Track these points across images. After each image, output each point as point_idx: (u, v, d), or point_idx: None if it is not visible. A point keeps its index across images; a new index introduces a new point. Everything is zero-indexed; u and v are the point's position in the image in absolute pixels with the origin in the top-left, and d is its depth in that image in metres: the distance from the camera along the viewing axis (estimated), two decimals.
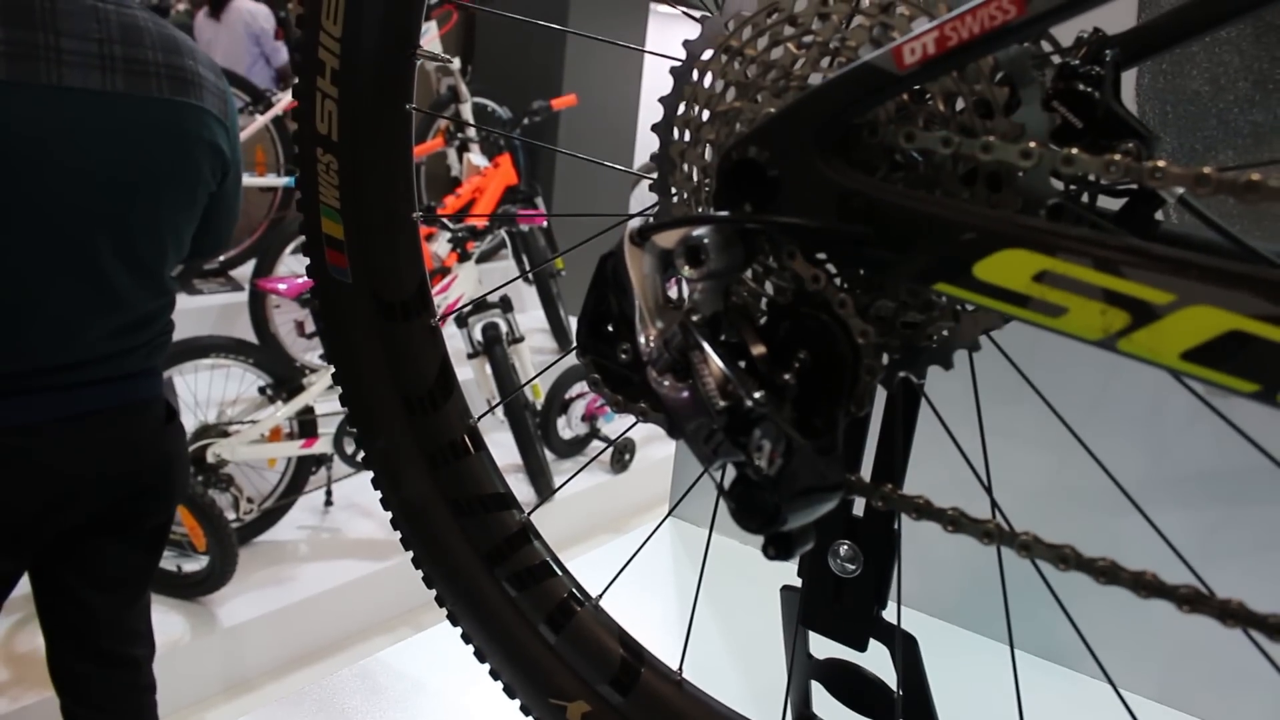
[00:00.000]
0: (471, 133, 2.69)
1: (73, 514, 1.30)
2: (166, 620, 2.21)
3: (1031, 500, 0.78)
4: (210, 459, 2.28)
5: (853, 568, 0.58)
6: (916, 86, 0.41)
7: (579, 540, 3.00)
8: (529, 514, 0.70)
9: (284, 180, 2.98)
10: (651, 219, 0.47)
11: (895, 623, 0.57)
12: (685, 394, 0.42)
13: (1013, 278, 0.39)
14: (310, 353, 2.75)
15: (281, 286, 2.37)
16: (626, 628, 0.67)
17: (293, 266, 2.85)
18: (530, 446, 2.74)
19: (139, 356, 1.33)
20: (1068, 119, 0.47)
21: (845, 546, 0.58)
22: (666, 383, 0.43)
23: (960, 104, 0.43)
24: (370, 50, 0.64)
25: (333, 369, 0.71)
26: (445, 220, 2.19)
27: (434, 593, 0.70)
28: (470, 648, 0.70)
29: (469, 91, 2.85)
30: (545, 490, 2.75)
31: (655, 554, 1.19)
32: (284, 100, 2.89)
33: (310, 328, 2.38)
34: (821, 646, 0.61)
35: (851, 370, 0.44)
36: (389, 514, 0.72)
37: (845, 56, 0.45)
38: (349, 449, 2.46)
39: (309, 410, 2.43)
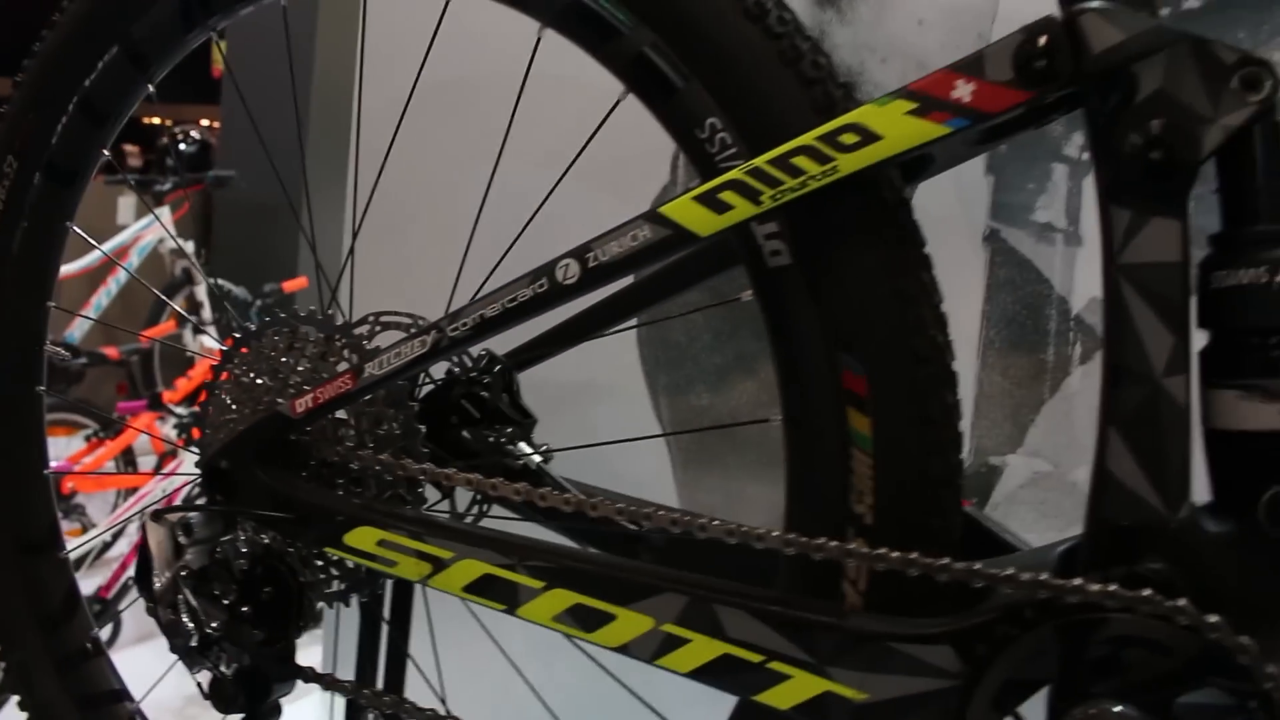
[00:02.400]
0: (206, 315, 2.91)
1: None
2: None
3: None
4: None
5: None
6: (308, 425, 0.70)
7: None
8: None
9: None
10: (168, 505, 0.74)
11: None
12: (173, 622, 0.68)
13: (365, 543, 0.67)
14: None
15: None
16: None
17: None
18: None
19: None
20: (469, 411, 0.78)
21: None
22: (164, 616, 0.69)
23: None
24: (8, 339, 0.90)
25: None
26: (170, 407, 2.39)
27: None
28: None
29: (205, 273, 3.07)
30: None
31: None
32: None
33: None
34: None
35: (297, 599, 0.71)
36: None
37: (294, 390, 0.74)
38: None
39: None
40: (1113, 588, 0.53)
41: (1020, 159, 0.97)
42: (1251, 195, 0.56)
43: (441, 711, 0.70)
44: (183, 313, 2.91)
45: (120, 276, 2.93)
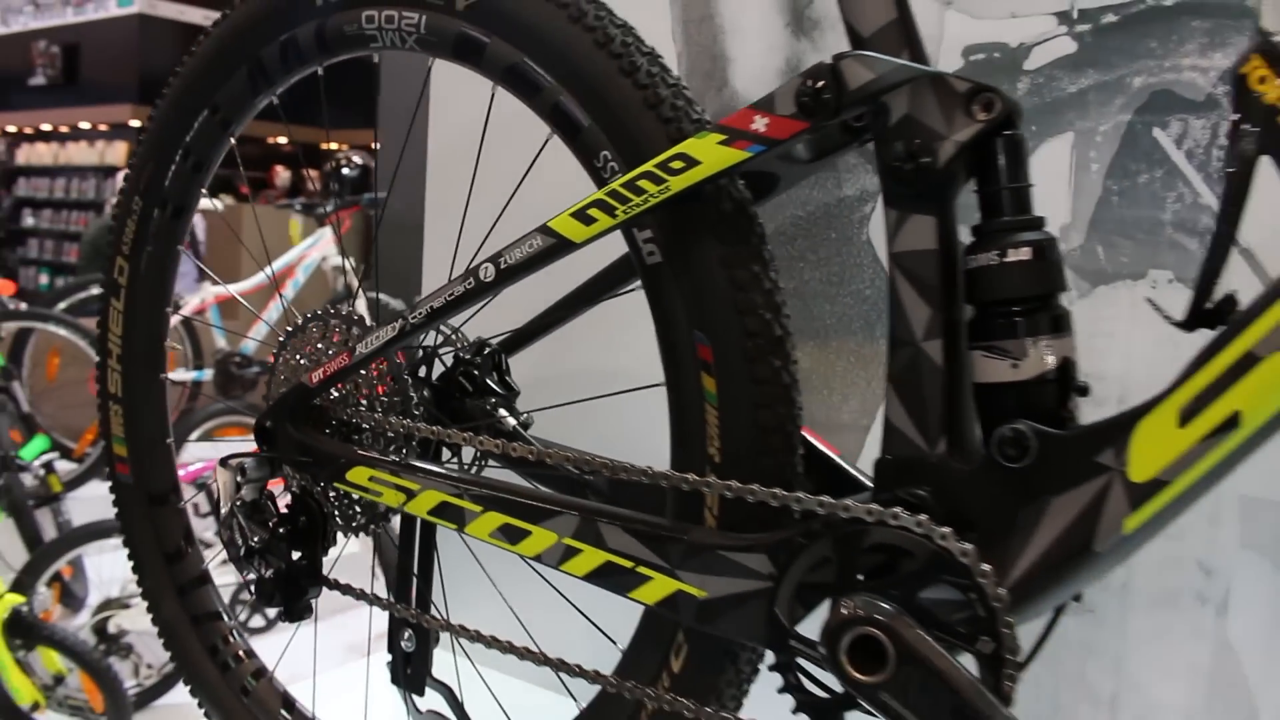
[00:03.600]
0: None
1: None
2: None
3: None
4: (112, 629, 2.76)
5: (410, 646, 1.07)
6: (323, 392, 0.95)
7: None
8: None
9: (193, 375, 3.57)
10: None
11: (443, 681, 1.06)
12: (230, 539, 0.94)
13: (360, 479, 0.91)
14: (207, 530, 3.25)
15: (181, 472, 2.88)
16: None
17: (195, 453, 3.37)
18: None
19: None
20: (464, 385, 1.01)
21: (408, 632, 1.08)
22: (224, 535, 0.95)
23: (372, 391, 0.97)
24: (140, 337, 1.19)
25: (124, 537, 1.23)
26: None
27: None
28: None
29: (365, 287, 3.47)
30: None
31: None
32: (193, 303, 3.53)
33: (205, 508, 2.89)
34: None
35: (322, 527, 0.96)
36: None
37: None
38: (242, 616, 2.94)
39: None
40: (871, 506, 0.70)
41: None
42: (996, 195, 0.72)
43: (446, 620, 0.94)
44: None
45: (288, 292, 3.37)
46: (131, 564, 1.22)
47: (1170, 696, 1.07)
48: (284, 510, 0.96)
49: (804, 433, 0.84)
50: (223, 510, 0.96)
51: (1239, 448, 0.64)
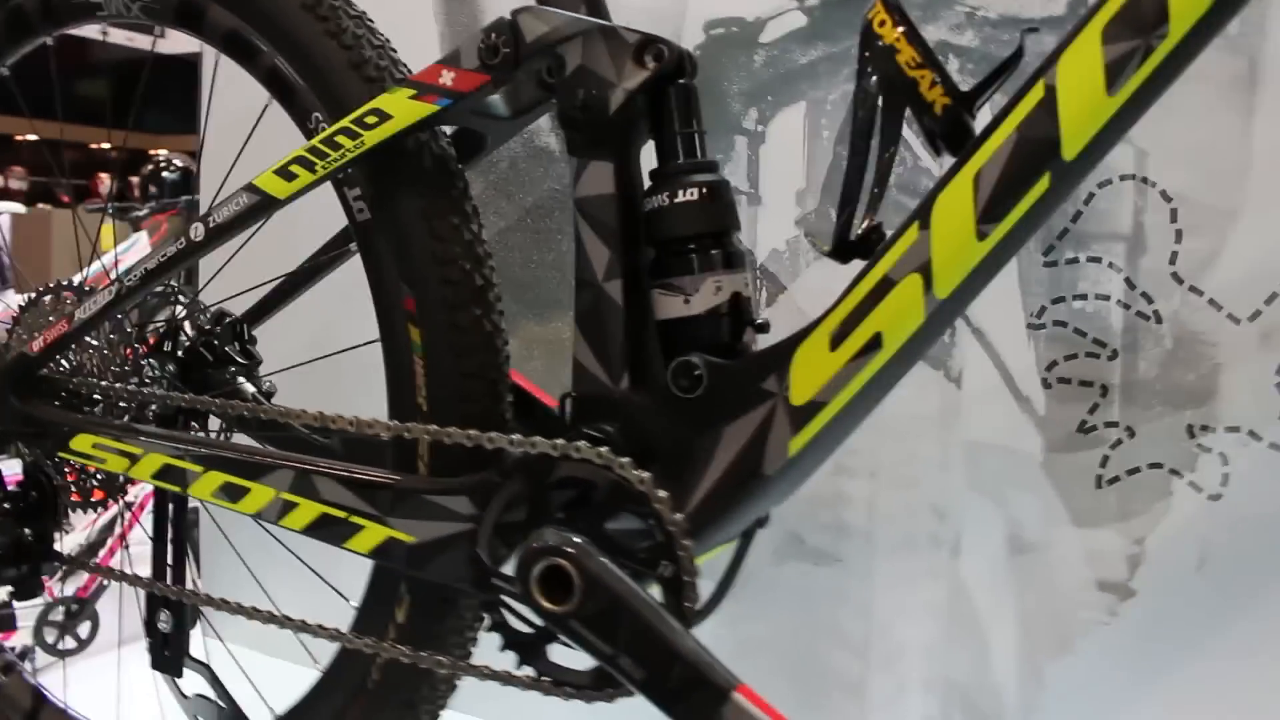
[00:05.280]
0: None
1: None
2: None
3: None
4: None
5: (168, 627, 1.07)
6: (48, 361, 0.95)
7: None
8: None
9: None
10: None
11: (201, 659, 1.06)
12: None
13: (84, 446, 0.91)
14: None
15: None
16: None
17: None
18: None
19: None
20: (204, 355, 1.02)
21: (165, 613, 1.08)
22: None
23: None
24: None
25: None
26: None
27: None
28: None
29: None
30: None
31: None
32: None
33: None
34: None
35: (52, 499, 0.96)
36: None
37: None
38: (50, 639, 2.84)
39: (5, 604, 2.80)
40: (557, 441, 0.74)
41: (709, 135, 1.18)
42: (671, 140, 0.77)
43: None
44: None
45: None
46: None
47: (914, 636, 1.14)
48: (13, 486, 0.95)
49: (518, 381, 0.88)
50: None
51: (884, 367, 0.70)
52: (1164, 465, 1.05)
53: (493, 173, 1.28)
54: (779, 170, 1.05)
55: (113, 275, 2.84)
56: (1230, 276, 1.02)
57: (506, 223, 1.29)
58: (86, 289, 0.98)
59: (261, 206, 0.83)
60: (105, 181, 5.10)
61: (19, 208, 3.38)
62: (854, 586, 1.16)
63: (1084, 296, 1.06)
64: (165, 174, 3.36)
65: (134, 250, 3.06)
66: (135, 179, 3.68)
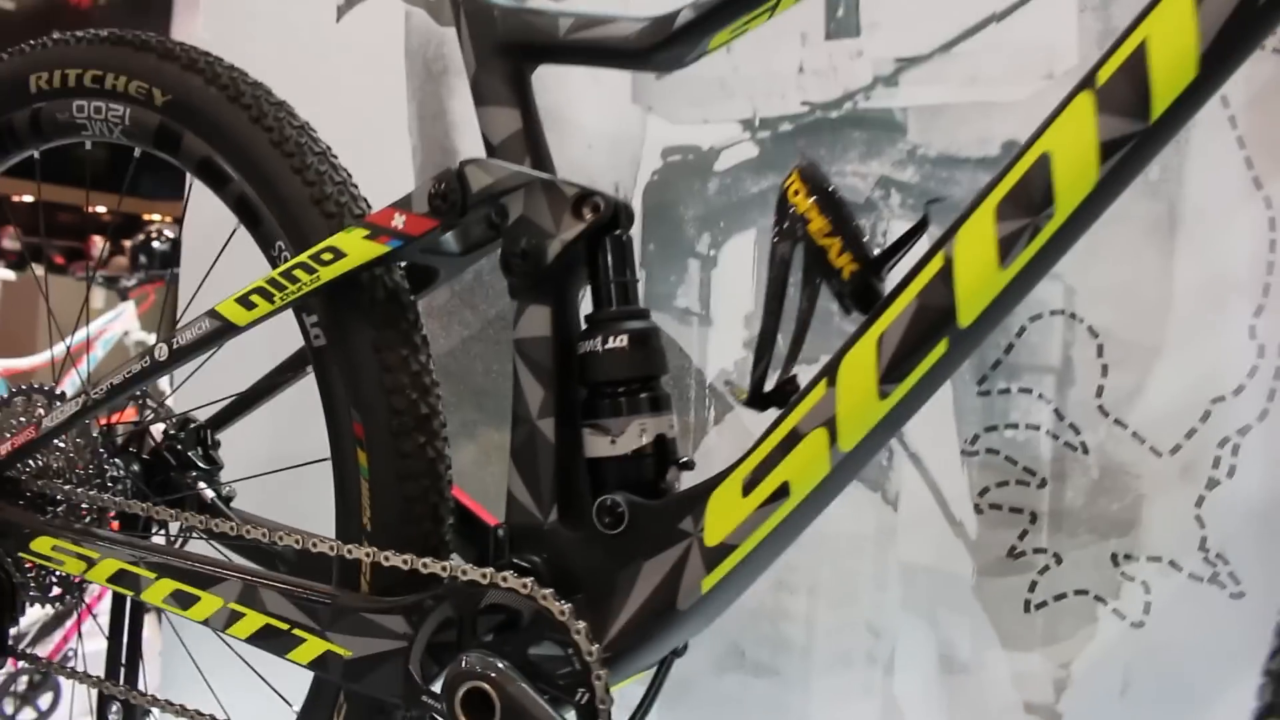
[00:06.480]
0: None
1: None
2: None
3: None
4: None
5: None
6: (14, 465, 1.01)
7: None
8: None
9: None
10: None
11: None
12: None
13: (44, 548, 0.97)
14: None
15: None
16: None
17: None
18: None
19: None
20: (170, 461, 1.08)
21: (116, 706, 1.12)
22: None
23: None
24: None
25: None
26: None
27: None
28: None
29: None
30: None
31: None
32: None
33: None
34: None
35: (11, 597, 1.01)
36: None
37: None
38: (9, 710, 2.85)
39: None
40: (486, 570, 0.80)
41: (663, 257, 1.26)
42: (605, 288, 0.84)
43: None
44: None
45: (84, 368, 3.32)
46: None
47: None
48: None
49: (461, 499, 0.93)
50: None
51: (791, 515, 0.76)
52: (1089, 592, 1.10)
53: (458, 284, 1.35)
54: (729, 293, 1.12)
55: (97, 345, 2.90)
56: (1153, 410, 1.08)
57: (470, 332, 1.36)
58: (57, 394, 1.04)
59: (222, 332, 0.89)
60: (98, 244, 5.21)
61: (10, 274, 3.47)
62: (792, 699, 1.21)
63: (1015, 426, 1.13)
64: (155, 244, 3.45)
65: (120, 320, 3.14)
66: (127, 243, 3.77)
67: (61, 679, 2.60)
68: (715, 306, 1.24)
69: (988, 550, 1.14)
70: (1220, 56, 0.62)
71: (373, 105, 1.45)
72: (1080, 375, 1.10)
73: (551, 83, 1.27)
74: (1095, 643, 1.10)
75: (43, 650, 2.61)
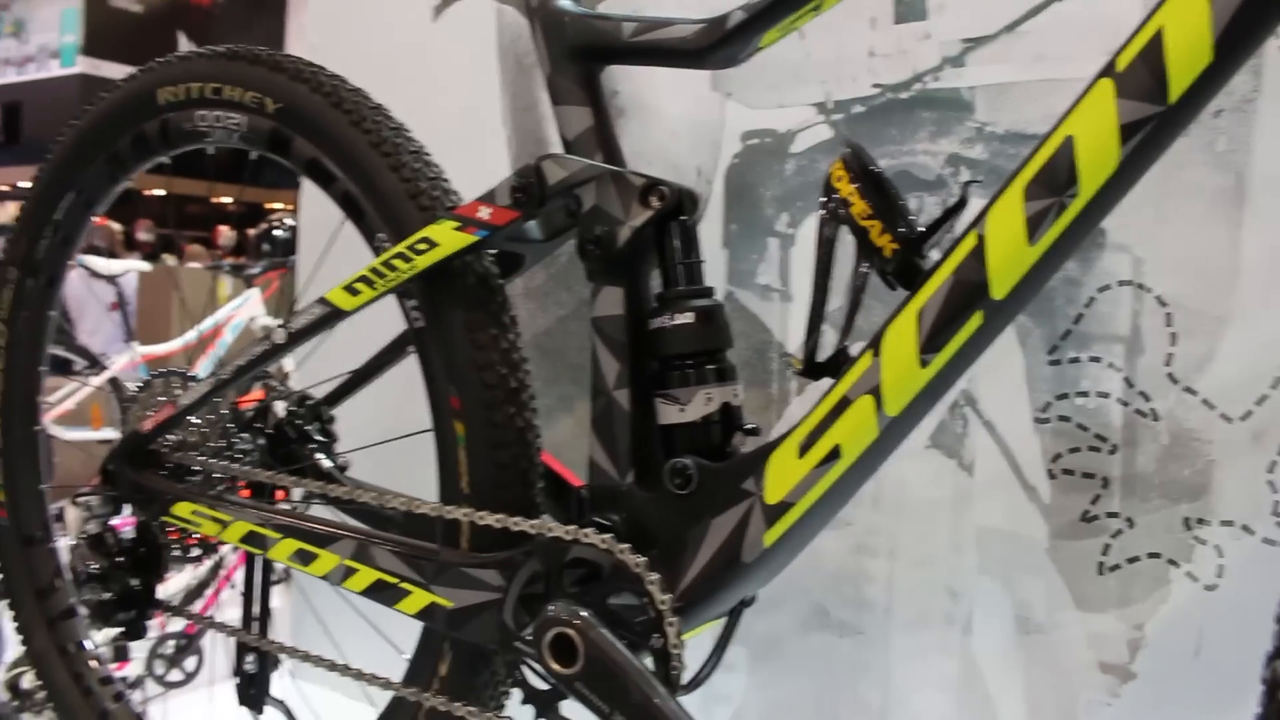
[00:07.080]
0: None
1: None
2: None
3: None
4: (25, 684, 2.92)
5: (253, 669, 1.25)
6: (157, 438, 1.14)
7: None
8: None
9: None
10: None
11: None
12: (76, 565, 1.13)
13: (184, 512, 1.10)
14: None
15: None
16: None
17: None
18: None
19: None
20: (291, 434, 1.20)
21: (251, 655, 1.26)
22: (75, 563, 1.14)
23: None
24: (17, 394, 1.38)
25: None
26: None
27: None
28: None
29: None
30: None
31: None
32: (121, 362, 3.73)
33: None
34: None
35: (157, 556, 1.15)
36: None
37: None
38: (160, 670, 3.08)
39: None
40: (569, 528, 0.89)
41: (746, 236, 1.33)
42: (673, 269, 0.92)
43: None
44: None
45: (216, 351, 3.57)
46: (8, 600, 1.40)
47: (928, 706, 1.25)
48: (126, 543, 1.15)
49: (551, 464, 1.03)
50: (71, 542, 1.15)
51: (844, 475, 0.83)
52: (1162, 555, 1.14)
53: (553, 266, 1.45)
54: (808, 269, 1.18)
55: (226, 330, 3.10)
56: (1222, 378, 1.11)
57: (565, 311, 1.45)
58: (190, 376, 1.17)
59: (331, 316, 1.01)
60: (225, 234, 5.49)
61: (145, 265, 3.74)
62: (873, 658, 1.28)
63: (1086, 394, 1.17)
64: (276, 232, 3.65)
65: (247, 306, 3.35)
66: (252, 232, 4.00)
67: (203, 644, 2.81)
68: (794, 283, 1.31)
69: (1061, 514, 1.18)
70: (1234, 42, 0.67)
71: (470, 98, 1.56)
72: (1149, 344, 1.14)
73: (637, 75, 1.36)
74: (1169, 605, 1.14)
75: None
